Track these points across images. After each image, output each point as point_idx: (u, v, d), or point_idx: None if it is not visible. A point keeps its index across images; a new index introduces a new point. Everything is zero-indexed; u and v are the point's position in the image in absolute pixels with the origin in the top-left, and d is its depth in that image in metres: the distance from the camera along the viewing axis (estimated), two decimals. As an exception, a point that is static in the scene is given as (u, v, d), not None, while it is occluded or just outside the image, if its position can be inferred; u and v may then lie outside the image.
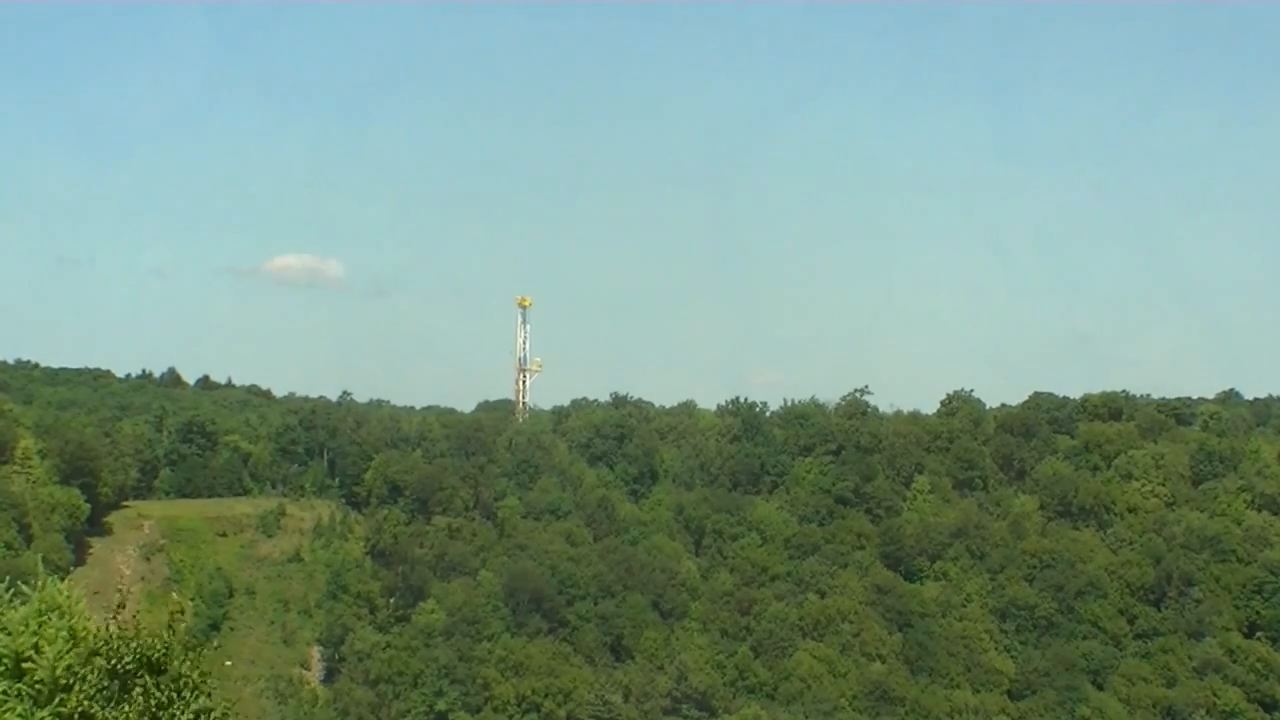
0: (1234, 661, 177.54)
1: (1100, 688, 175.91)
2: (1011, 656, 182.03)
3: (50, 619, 17.79)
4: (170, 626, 18.72)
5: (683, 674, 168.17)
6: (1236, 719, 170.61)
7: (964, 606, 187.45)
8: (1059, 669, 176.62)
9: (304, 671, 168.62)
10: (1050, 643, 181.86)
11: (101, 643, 17.85)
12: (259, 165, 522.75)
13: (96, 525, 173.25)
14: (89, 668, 17.52)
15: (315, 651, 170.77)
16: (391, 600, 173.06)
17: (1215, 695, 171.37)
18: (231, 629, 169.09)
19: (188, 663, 18.65)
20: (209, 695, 18.65)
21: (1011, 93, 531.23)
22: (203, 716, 18.29)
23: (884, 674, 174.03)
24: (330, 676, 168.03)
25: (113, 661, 17.84)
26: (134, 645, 18.10)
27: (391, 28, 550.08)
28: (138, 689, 17.84)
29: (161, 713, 17.79)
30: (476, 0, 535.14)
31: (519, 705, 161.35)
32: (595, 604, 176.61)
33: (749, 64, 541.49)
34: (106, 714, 17.44)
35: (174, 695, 18.19)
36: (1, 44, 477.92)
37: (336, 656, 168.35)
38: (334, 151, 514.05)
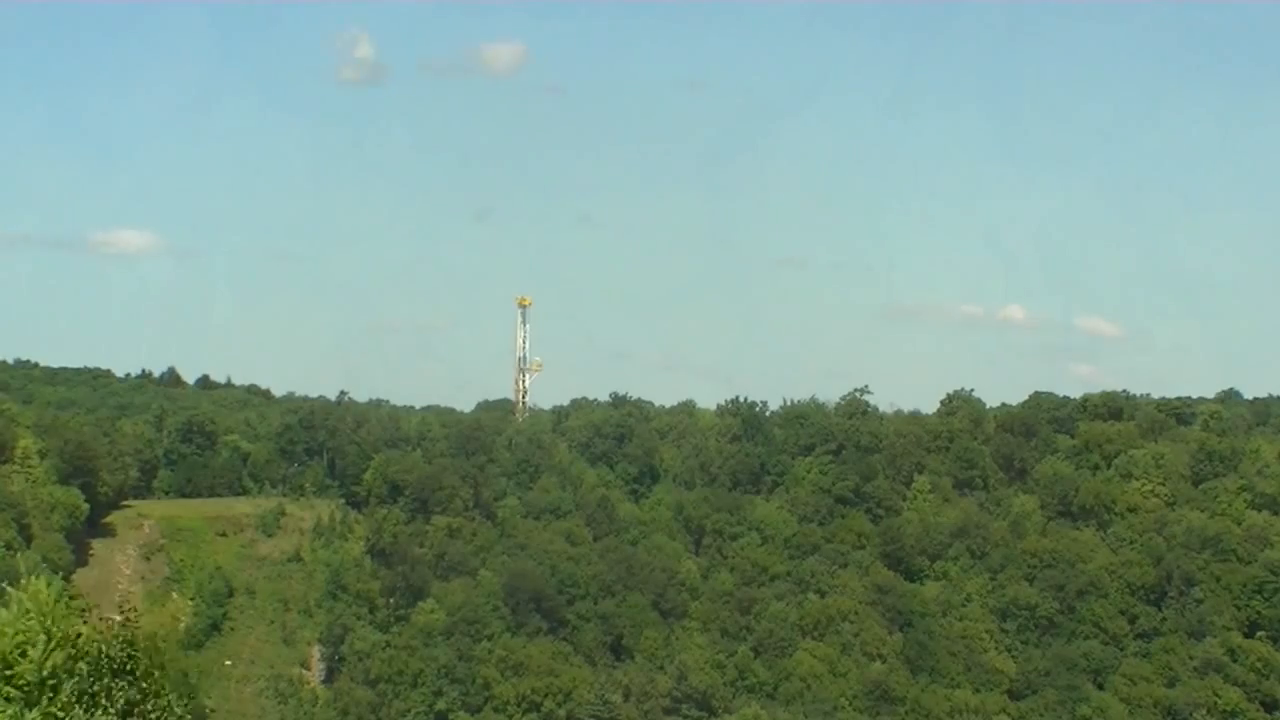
0: (1234, 661, 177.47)
1: (1101, 687, 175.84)
2: (1012, 656, 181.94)
3: (33, 621, 17.70)
4: (125, 628, 18.60)
5: (683, 674, 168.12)
6: (1237, 719, 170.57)
7: (964, 606, 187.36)
8: (1059, 669, 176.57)
9: (304, 671, 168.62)
10: (1051, 642, 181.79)
11: (79, 644, 17.77)
12: (259, 165, 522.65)
13: (96, 525, 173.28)
14: (72, 670, 17.43)
15: (315, 651, 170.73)
16: (391, 600, 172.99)
17: (1216, 695, 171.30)
18: (231, 629, 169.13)
19: (163, 663, 18.59)
20: (203, 695, 18.57)
21: (1012, 93, 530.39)
22: (187, 717, 18.20)
23: (884, 674, 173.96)
24: (330, 676, 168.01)
25: (92, 663, 17.76)
26: (111, 647, 18.00)
27: (391, 28, 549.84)
28: (118, 689, 17.76)
29: (149, 713, 17.72)
30: (476, 0, 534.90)
31: (519, 705, 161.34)
32: (595, 604, 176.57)
33: (749, 64, 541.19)
34: (93, 715, 17.35)
35: (154, 695, 18.12)
36: (1, 44, 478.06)
37: (336, 656, 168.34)
38: (334, 150, 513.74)
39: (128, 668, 17.99)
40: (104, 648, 17.93)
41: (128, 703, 17.71)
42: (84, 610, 18.92)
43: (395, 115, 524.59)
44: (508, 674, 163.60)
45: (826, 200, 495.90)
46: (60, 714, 17.24)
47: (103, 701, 17.52)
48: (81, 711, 17.29)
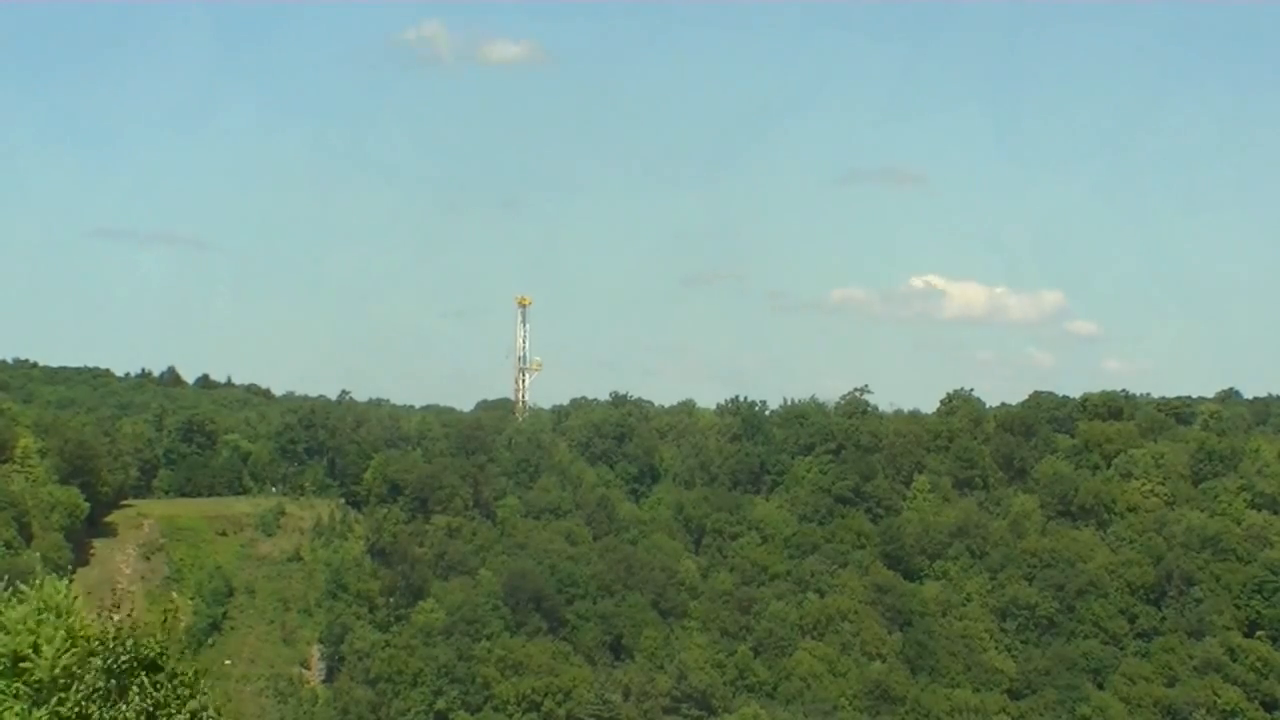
0: (1234, 661, 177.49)
1: (1101, 687, 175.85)
2: (1012, 656, 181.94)
3: (48, 619, 17.69)
4: (164, 625, 18.63)
5: (683, 673, 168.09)
6: (1237, 718, 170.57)
7: (964, 606, 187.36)
8: (1059, 668, 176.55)
9: (304, 671, 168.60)
10: (1051, 642, 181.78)
11: (98, 643, 17.76)
12: (259, 164, 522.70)
13: (96, 524, 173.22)
14: (86, 667, 17.42)
15: (315, 651, 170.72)
16: (391, 599, 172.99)
17: (1216, 694, 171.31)
18: (231, 628, 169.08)
19: (183, 662, 18.58)
20: (203, 694, 18.56)
21: (1011, 93, 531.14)
22: (199, 715, 18.20)
23: (884, 673, 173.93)
24: (330, 676, 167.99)
25: (109, 661, 17.73)
26: (130, 645, 17.99)
27: (391, 28, 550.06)
28: (134, 688, 17.73)
29: (159, 711, 17.70)
30: (476, 0, 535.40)
31: (519, 704, 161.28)
32: (595, 603, 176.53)
33: (749, 64, 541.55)
34: (104, 713, 17.34)
35: (170, 694, 18.08)
36: (1, 43, 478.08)
37: (336, 656, 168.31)
38: (334, 150, 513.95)
39: (158, 663, 17.99)
40: (133, 644, 17.92)
41: (153, 701, 17.68)
42: (115, 608, 18.94)
43: (396, 114, 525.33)
44: (507, 673, 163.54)
45: (826, 200, 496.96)
46: (71, 713, 17.23)
47: (133, 697, 17.49)
48: (98, 708, 17.27)
